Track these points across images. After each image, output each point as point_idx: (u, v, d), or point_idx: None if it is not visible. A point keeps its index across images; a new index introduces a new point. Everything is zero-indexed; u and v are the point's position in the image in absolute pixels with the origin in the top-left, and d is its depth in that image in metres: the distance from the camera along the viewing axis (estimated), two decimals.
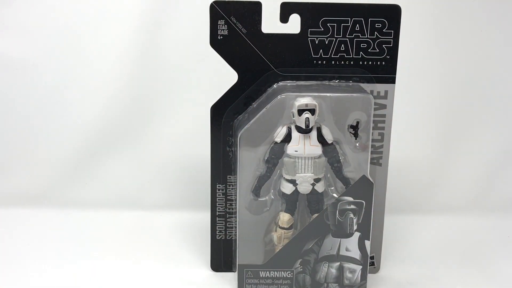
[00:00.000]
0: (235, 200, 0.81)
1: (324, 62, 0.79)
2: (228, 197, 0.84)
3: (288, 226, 0.79)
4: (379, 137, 0.81)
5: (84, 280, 0.84)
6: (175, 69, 1.10)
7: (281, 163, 0.78)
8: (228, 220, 0.85)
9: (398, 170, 1.03)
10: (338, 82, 0.79)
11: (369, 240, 0.79)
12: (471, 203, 1.10)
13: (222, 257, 0.86)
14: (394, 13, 0.77)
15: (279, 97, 0.75)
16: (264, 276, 0.80)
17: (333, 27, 0.77)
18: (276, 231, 0.80)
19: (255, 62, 0.78)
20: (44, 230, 0.99)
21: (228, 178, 0.83)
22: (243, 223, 0.80)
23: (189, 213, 1.05)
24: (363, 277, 0.80)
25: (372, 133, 0.79)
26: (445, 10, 1.09)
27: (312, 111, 0.74)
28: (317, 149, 0.76)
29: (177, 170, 1.11)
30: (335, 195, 0.79)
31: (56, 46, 1.08)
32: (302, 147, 0.76)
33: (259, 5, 0.77)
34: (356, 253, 0.79)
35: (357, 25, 0.77)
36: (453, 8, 1.09)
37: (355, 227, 0.78)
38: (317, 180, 0.78)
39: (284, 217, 0.79)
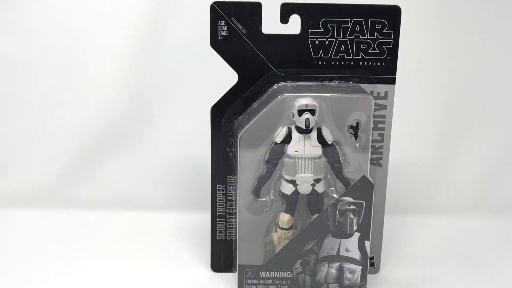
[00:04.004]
0: (235, 200, 0.81)
1: (324, 62, 0.79)
2: (228, 198, 0.84)
3: (288, 227, 0.79)
4: (379, 138, 0.81)
5: (84, 281, 0.84)
6: (175, 70, 1.10)
7: (281, 164, 0.78)
8: (228, 220, 0.85)
9: (398, 171, 1.03)
10: (338, 82, 0.79)
11: (369, 240, 0.79)
12: (471, 203, 1.10)
13: (222, 258, 0.87)
14: (394, 13, 0.77)
15: (279, 97, 0.75)
16: (264, 276, 0.80)
17: (333, 27, 0.77)
18: (276, 231, 0.80)
19: (255, 62, 0.78)
20: (44, 230, 0.99)
21: (228, 179, 0.83)
22: (243, 223, 0.80)
23: (189, 214, 1.05)
24: (363, 277, 0.80)
25: (372, 133, 0.79)
26: (445, 11, 1.09)
27: (312, 112, 0.74)
28: (317, 150, 0.76)
29: (177, 170, 1.11)
30: (335, 195, 0.79)
31: (56, 47, 1.08)
32: (302, 148, 0.76)
33: (259, 5, 0.77)
34: (356, 254, 0.79)
35: (357, 25, 0.77)
36: (453, 8, 1.09)
37: (355, 228, 0.78)
38: (317, 181, 0.78)
39: (284, 218, 0.79)
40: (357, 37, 0.78)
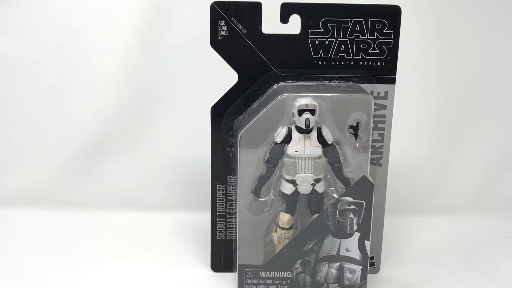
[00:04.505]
0: (235, 200, 0.81)
1: (324, 62, 0.79)
2: (228, 198, 0.84)
3: (288, 227, 0.79)
4: (379, 138, 0.81)
5: (84, 280, 0.84)
6: (175, 70, 1.10)
7: (281, 164, 0.78)
8: (228, 220, 0.85)
9: (398, 171, 1.03)
10: (338, 82, 0.79)
11: (369, 240, 0.79)
12: (471, 203, 1.10)
13: (222, 258, 0.87)
14: (394, 13, 0.77)
15: (279, 97, 0.75)
16: (264, 276, 0.80)
17: (333, 27, 0.77)
18: (276, 231, 0.80)
19: (255, 62, 0.78)
20: (44, 231, 0.99)
21: (228, 179, 0.83)
22: (243, 223, 0.80)
23: (189, 214, 1.05)
24: (363, 277, 0.80)
25: (372, 133, 0.79)
26: (445, 11, 1.09)
27: (312, 112, 0.74)
28: (317, 150, 0.76)
29: (178, 170, 1.11)
30: (335, 195, 0.79)
31: (56, 47, 1.08)
32: (302, 148, 0.76)
33: (259, 5, 0.77)
34: (356, 254, 0.79)
35: (357, 25, 0.77)
36: (453, 8, 1.09)
37: (355, 228, 0.78)
38: (317, 181, 0.78)
39: (284, 218, 0.79)
40: (357, 37, 0.78)
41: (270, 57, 0.78)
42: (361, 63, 0.79)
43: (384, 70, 0.79)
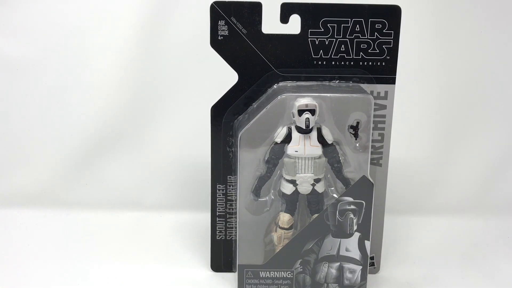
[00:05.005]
0: (235, 200, 0.81)
1: (324, 62, 0.79)
2: (228, 198, 0.84)
3: (288, 227, 0.79)
4: (379, 138, 0.81)
5: (84, 281, 0.84)
6: (176, 70, 1.10)
7: (281, 164, 0.78)
8: (228, 220, 0.85)
9: (398, 171, 1.03)
10: (338, 82, 0.79)
11: (369, 240, 0.79)
12: (471, 203, 1.10)
13: (222, 258, 0.87)
14: (394, 13, 0.77)
15: (279, 97, 0.76)
16: (264, 276, 0.80)
17: (333, 27, 0.77)
18: (276, 231, 0.80)
19: (255, 62, 0.78)
20: (44, 231, 0.99)
21: (228, 179, 0.83)
22: (243, 223, 0.80)
23: (189, 214, 1.05)
24: (363, 277, 0.80)
25: (372, 133, 0.79)
26: (445, 11, 1.09)
27: (312, 112, 0.74)
28: (317, 150, 0.76)
29: (178, 170, 1.11)
30: (335, 195, 0.79)
31: (56, 47, 1.08)
32: (302, 148, 0.76)
33: (259, 5, 0.77)
34: (356, 254, 0.79)
35: (357, 25, 0.77)
36: (453, 8, 1.09)
37: (355, 228, 0.78)
38: (317, 181, 0.78)
39: (284, 218, 0.79)
40: (357, 37, 0.78)
41: (270, 57, 0.78)
42: (361, 63, 0.79)
43: (384, 70, 0.79)
